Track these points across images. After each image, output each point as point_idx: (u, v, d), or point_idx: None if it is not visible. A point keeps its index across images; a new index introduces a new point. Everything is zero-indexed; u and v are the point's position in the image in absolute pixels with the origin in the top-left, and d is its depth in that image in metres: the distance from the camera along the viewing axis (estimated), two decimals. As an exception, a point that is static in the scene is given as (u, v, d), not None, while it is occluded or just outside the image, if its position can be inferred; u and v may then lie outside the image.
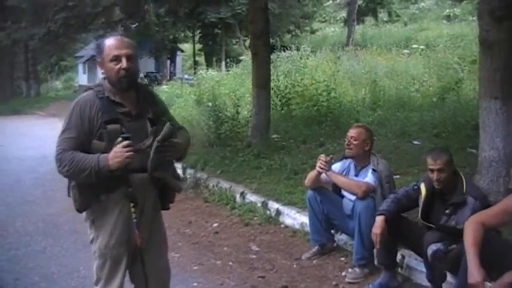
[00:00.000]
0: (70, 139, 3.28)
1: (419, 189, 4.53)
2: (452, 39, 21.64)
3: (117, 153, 3.14)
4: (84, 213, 3.48)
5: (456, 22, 32.93)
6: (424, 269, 4.45)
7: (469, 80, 13.22)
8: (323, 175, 5.38)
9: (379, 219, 4.53)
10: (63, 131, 3.33)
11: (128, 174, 3.31)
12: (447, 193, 4.35)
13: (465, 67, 14.63)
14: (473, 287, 3.42)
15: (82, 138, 3.28)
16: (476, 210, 4.11)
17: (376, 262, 4.99)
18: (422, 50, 19.99)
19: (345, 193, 5.39)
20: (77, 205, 3.39)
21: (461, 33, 23.31)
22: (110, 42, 3.33)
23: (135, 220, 3.35)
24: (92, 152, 3.25)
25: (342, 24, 43.62)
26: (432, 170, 4.31)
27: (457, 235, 3.94)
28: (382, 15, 44.37)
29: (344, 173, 5.39)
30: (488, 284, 3.52)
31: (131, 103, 3.40)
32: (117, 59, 3.28)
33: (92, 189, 3.31)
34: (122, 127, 3.28)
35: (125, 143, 3.13)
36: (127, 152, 3.13)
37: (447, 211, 4.33)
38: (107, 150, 3.22)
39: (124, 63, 3.27)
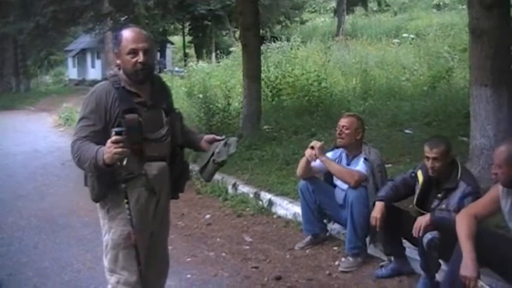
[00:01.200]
0: (86, 127, 3.29)
1: (416, 176, 4.55)
2: (442, 28, 21.66)
3: (108, 148, 3.10)
4: (98, 204, 3.48)
5: (446, 11, 32.98)
6: (417, 257, 4.46)
7: (460, 68, 13.27)
8: (316, 162, 5.36)
9: (379, 204, 4.57)
10: (80, 120, 3.35)
11: (144, 163, 3.35)
12: (443, 180, 4.37)
13: (455, 56, 14.68)
14: (466, 280, 3.44)
15: (99, 126, 3.28)
16: (466, 194, 4.18)
17: (384, 254, 4.98)
18: (413, 39, 20.05)
19: (337, 182, 5.39)
20: (94, 194, 3.38)
21: (451, 22, 23.35)
22: (127, 34, 3.34)
23: (129, 217, 3.31)
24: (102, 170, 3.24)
25: (332, 15, 43.60)
26: (428, 158, 4.34)
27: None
28: (372, 4, 44.41)
29: (336, 162, 5.38)
30: (480, 281, 3.54)
31: (146, 93, 3.43)
32: (134, 52, 3.29)
33: (109, 178, 3.29)
34: (139, 116, 3.31)
35: (113, 138, 3.07)
36: (117, 147, 3.07)
37: (439, 195, 4.38)
38: (128, 139, 3.19)
39: (141, 57, 3.28)
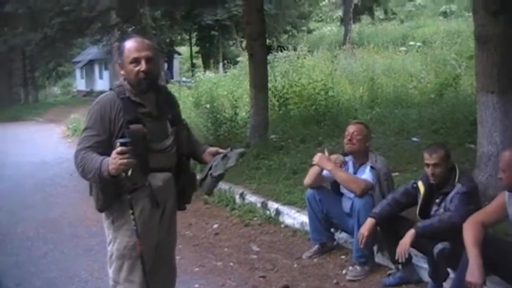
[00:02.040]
0: (90, 137, 3.30)
1: (417, 187, 4.55)
2: (449, 35, 21.65)
3: (113, 159, 3.10)
4: (103, 214, 3.49)
5: (453, 18, 32.98)
6: (424, 265, 4.46)
7: (467, 75, 13.24)
8: (324, 171, 5.38)
9: (369, 222, 4.63)
10: (84, 130, 3.36)
11: (149, 174, 3.36)
12: (442, 187, 4.37)
13: (462, 63, 14.66)
14: (471, 286, 3.44)
15: (103, 136, 3.29)
16: (461, 194, 4.18)
17: (391, 262, 4.95)
18: (419, 47, 20.04)
19: (343, 191, 5.38)
20: (99, 204, 3.39)
21: (458, 29, 23.35)
22: (129, 44, 3.36)
23: (134, 227, 3.31)
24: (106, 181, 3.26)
25: (339, 23, 43.68)
26: (428, 165, 4.36)
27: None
28: (379, 13, 44.47)
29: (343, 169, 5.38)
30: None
31: (151, 104, 3.43)
32: (136, 61, 3.30)
33: (114, 189, 3.30)
34: (144, 127, 3.31)
35: (119, 149, 3.09)
36: (122, 158, 3.08)
37: (437, 200, 4.40)
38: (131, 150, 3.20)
39: (143, 65, 3.30)
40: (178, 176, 3.58)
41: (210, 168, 3.56)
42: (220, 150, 3.70)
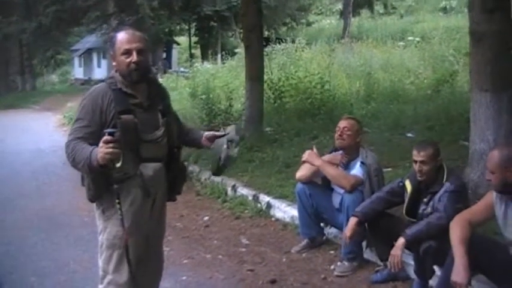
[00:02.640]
0: (81, 128, 3.33)
1: (404, 185, 4.54)
2: (448, 31, 21.55)
3: (100, 148, 3.12)
4: (94, 204, 3.53)
5: (452, 14, 32.89)
6: (411, 262, 4.46)
7: (464, 72, 13.15)
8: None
9: (351, 221, 4.62)
10: (76, 121, 3.40)
11: (140, 164, 3.40)
12: (430, 185, 4.36)
13: (460, 59, 14.58)
14: (456, 285, 3.44)
15: (94, 127, 3.31)
16: (449, 192, 4.18)
17: (379, 259, 4.94)
18: (418, 42, 19.98)
19: (334, 186, 5.37)
20: (90, 194, 3.43)
21: (457, 26, 23.22)
22: (121, 36, 3.40)
23: (120, 217, 3.34)
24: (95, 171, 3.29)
25: (338, 17, 43.59)
26: (415, 161, 4.34)
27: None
28: (378, 7, 44.36)
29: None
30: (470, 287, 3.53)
31: (143, 95, 3.47)
32: (128, 52, 3.35)
33: (105, 179, 3.32)
34: (135, 117, 3.35)
35: (105, 138, 3.10)
36: (108, 148, 3.09)
37: (425, 199, 4.37)
38: (121, 139, 3.22)
39: (134, 56, 3.34)
40: (169, 167, 3.63)
41: (219, 159, 3.73)
42: (217, 134, 3.79)
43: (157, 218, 3.67)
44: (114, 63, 3.46)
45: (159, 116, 3.54)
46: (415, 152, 4.36)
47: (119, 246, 3.43)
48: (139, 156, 3.39)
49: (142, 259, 3.59)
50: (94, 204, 3.53)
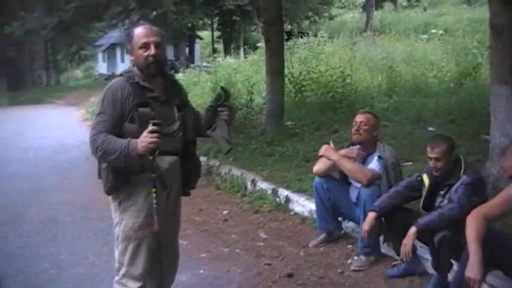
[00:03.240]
0: (104, 122, 3.40)
1: (422, 180, 4.50)
2: (472, 23, 21.34)
3: (144, 137, 3.23)
4: (110, 197, 3.57)
5: (477, 6, 32.48)
6: (429, 257, 4.43)
7: (488, 65, 12.94)
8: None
9: (370, 216, 4.61)
10: (98, 115, 3.46)
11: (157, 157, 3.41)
12: (447, 179, 4.32)
13: (484, 52, 14.39)
14: (470, 281, 3.41)
15: (115, 120, 3.39)
16: (465, 185, 4.12)
17: (396, 254, 4.91)
18: (441, 35, 19.75)
19: (351, 180, 5.35)
20: (108, 187, 3.47)
21: (481, 18, 22.88)
22: (139, 30, 3.48)
23: (155, 206, 3.40)
24: (124, 135, 3.36)
25: (361, 10, 43.32)
26: (430, 158, 4.31)
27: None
28: (402, 0, 43.96)
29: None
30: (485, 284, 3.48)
31: (159, 89, 3.54)
32: (146, 46, 3.42)
33: (123, 171, 3.39)
34: (152, 111, 3.41)
35: (151, 128, 3.22)
36: (153, 137, 3.21)
37: (442, 192, 4.34)
38: (138, 133, 3.31)
39: (152, 50, 3.41)
40: (184, 161, 3.68)
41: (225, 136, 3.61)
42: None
43: (171, 212, 3.71)
44: (131, 58, 3.51)
45: (175, 110, 3.58)
46: (428, 149, 4.33)
47: (135, 238, 3.50)
48: (154, 153, 3.38)
49: (157, 252, 3.61)
50: (110, 198, 3.58)
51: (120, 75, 3.59)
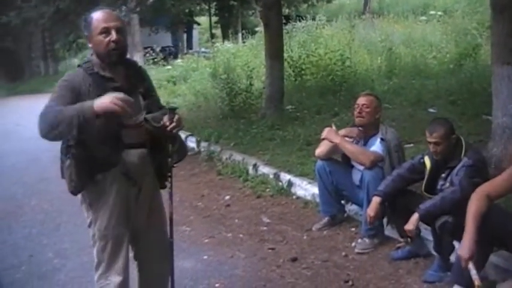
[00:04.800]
0: (60, 99, 3.14)
1: (424, 162, 4.49)
2: (471, 4, 21.16)
3: (107, 97, 3.00)
4: (79, 197, 3.40)
5: (476, -14, 32.30)
6: (430, 238, 4.42)
7: (487, 45, 12.83)
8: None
9: (374, 201, 4.59)
10: (49, 102, 3.19)
11: (123, 151, 3.27)
12: (449, 161, 4.30)
13: (483, 32, 14.33)
14: (461, 259, 3.40)
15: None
16: (466, 167, 4.12)
17: (400, 236, 4.91)
18: (440, 16, 19.64)
19: (354, 163, 5.33)
20: (72, 186, 3.27)
21: (480, -3, 22.89)
22: (98, 15, 3.25)
23: (170, 190, 3.37)
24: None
25: (359, -8, 43.03)
26: (429, 142, 4.29)
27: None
28: (400, -19, 43.65)
29: (353, 142, 5.33)
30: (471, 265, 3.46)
31: (121, 78, 3.32)
32: (106, 31, 3.19)
33: (87, 168, 3.21)
34: None
35: (120, 95, 3.01)
36: (118, 100, 2.97)
37: (443, 175, 4.33)
38: (100, 124, 3.11)
39: (114, 35, 3.18)
40: (154, 153, 3.44)
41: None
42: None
43: (147, 207, 3.52)
44: (90, 45, 3.29)
45: (140, 99, 3.39)
46: (427, 134, 4.34)
47: (112, 236, 3.35)
48: (120, 142, 3.26)
49: (145, 250, 3.58)
50: (79, 197, 3.40)
51: (79, 66, 3.36)
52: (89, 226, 3.45)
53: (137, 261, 3.67)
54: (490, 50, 11.61)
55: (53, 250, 5.64)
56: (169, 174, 3.55)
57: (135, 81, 3.40)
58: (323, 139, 5.41)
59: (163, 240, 3.63)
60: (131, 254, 3.62)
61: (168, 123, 3.27)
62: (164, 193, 3.63)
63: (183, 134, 10.32)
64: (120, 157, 3.27)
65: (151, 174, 3.50)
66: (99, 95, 3.09)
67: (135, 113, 3.28)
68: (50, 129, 3.04)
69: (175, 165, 3.56)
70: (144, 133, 3.33)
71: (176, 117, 3.30)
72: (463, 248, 3.43)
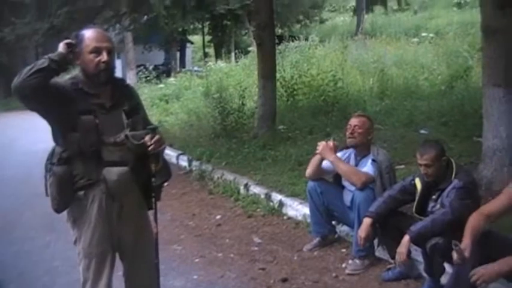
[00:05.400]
0: None
1: (415, 184, 4.51)
2: (462, 26, 21.40)
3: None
4: (65, 214, 3.41)
5: (467, 9, 32.57)
6: (421, 260, 4.43)
7: (479, 67, 12.90)
8: (325, 163, 5.35)
9: (366, 222, 4.60)
10: None
11: (104, 168, 3.28)
12: (439, 183, 4.33)
13: (475, 55, 14.45)
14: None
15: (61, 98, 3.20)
16: (457, 189, 4.15)
17: (390, 257, 4.90)
18: (432, 38, 19.83)
19: (345, 183, 5.35)
20: (55, 204, 3.32)
21: (471, 20, 22.96)
22: (90, 33, 3.27)
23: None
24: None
25: (352, 14, 43.36)
26: (420, 165, 4.32)
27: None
28: (392, 3, 44.08)
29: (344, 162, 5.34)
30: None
31: (106, 95, 3.34)
32: (97, 51, 3.22)
33: (69, 186, 3.24)
34: (95, 118, 3.23)
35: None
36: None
37: (434, 197, 4.35)
38: (82, 142, 3.18)
39: (105, 56, 3.22)
40: (138, 172, 3.40)
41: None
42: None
43: (130, 225, 3.48)
44: (77, 62, 3.29)
45: (123, 117, 3.37)
46: (418, 156, 4.38)
47: (95, 254, 3.37)
48: (102, 160, 3.27)
49: (131, 268, 3.58)
50: (66, 215, 3.42)
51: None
52: (75, 243, 3.46)
53: (124, 279, 3.67)
54: (481, 72, 11.75)
55: (43, 267, 5.60)
56: (153, 194, 3.53)
57: (120, 99, 3.40)
58: (316, 154, 5.40)
59: (150, 260, 3.60)
60: (120, 272, 3.62)
61: (148, 143, 3.29)
62: (152, 214, 3.61)
63: (174, 153, 10.38)
64: (100, 174, 3.28)
65: (136, 193, 3.48)
66: (81, 109, 3.18)
67: (116, 131, 3.31)
68: (22, 74, 3.05)
69: (163, 185, 3.58)
70: (126, 151, 3.33)
71: (156, 137, 3.32)
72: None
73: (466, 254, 3.45)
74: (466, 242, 3.52)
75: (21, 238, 6.62)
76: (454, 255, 3.49)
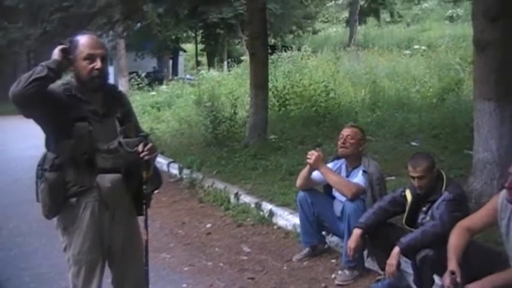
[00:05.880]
0: None
1: (405, 195, 4.52)
2: (455, 39, 21.55)
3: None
4: (55, 221, 3.42)
5: (459, 23, 32.81)
6: (410, 271, 4.43)
7: (470, 80, 13.07)
8: (315, 173, 5.34)
9: (355, 233, 4.59)
10: None
11: (97, 175, 3.29)
12: (429, 195, 4.34)
13: (466, 68, 14.55)
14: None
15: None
16: (447, 201, 4.17)
17: (380, 268, 4.90)
18: (424, 50, 19.93)
19: (335, 194, 5.35)
20: (46, 210, 3.34)
21: (463, 34, 23.16)
22: (84, 40, 3.28)
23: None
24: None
25: (344, 25, 43.57)
26: (413, 177, 4.33)
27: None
28: (385, 15, 44.31)
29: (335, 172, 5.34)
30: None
31: (98, 102, 3.36)
32: (91, 57, 3.24)
33: (61, 193, 3.25)
34: (89, 125, 3.24)
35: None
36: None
37: (424, 208, 4.38)
38: (75, 148, 3.19)
39: (99, 63, 3.24)
40: (130, 179, 3.44)
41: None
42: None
43: (122, 232, 3.49)
44: (71, 68, 3.31)
45: (116, 124, 3.40)
46: (411, 169, 4.38)
47: (85, 261, 3.37)
48: (95, 167, 3.29)
49: (121, 275, 3.58)
50: (55, 221, 3.43)
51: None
52: (64, 250, 3.46)
53: (113, 286, 3.66)
54: (472, 85, 11.80)
55: (31, 274, 5.56)
56: (144, 201, 3.54)
57: (112, 106, 3.42)
58: (308, 164, 5.38)
59: (139, 267, 3.62)
60: (109, 279, 3.61)
61: (141, 150, 3.30)
62: (141, 221, 3.61)
63: (165, 160, 10.36)
64: (93, 181, 3.29)
65: (127, 200, 3.49)
66: (74, 116, 3.19)
67: (110, 138, 3.32)
68: (21, 83, 3.05)
69: (153, 193, 3.59)
70: (118, 158, 3.34)
71: (149, 145, 3.33)
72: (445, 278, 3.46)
73: (458, 279, 3.44)
74: (453, 266, 3.51)
75: (9, 244, 6.58)
76: (446, 280, 3.48)
